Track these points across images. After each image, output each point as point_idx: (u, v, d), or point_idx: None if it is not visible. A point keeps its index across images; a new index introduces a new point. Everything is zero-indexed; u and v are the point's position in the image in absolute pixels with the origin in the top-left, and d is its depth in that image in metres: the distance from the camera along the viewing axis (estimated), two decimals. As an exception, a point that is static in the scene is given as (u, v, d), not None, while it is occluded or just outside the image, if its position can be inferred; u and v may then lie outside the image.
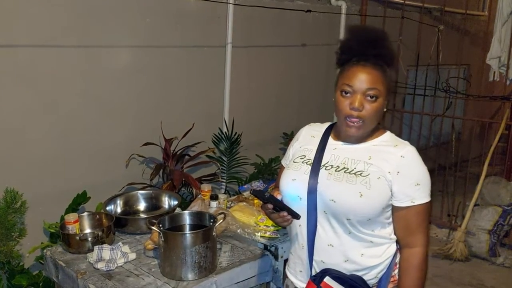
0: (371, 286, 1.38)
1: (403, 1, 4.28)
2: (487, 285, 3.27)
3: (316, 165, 1.38)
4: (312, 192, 1.35)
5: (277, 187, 1.59)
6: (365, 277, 1.38)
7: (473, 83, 4.88)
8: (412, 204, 1.33)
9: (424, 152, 1.39)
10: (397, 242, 1.42)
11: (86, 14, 2.51)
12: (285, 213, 1.35)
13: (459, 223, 3.82)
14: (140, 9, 2.75)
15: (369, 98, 1.31)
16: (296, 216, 1.35)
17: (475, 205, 3.75)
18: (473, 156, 4.22)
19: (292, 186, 1.40)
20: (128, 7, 2.68)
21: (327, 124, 1.52)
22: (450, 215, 4.15)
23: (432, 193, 1.39)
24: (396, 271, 1.42)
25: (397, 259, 1.42)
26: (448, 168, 4.30)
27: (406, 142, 1.39)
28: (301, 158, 1.44)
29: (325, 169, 1.38)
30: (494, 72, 4.17)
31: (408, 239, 1.37)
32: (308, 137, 1.51)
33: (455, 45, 4.48)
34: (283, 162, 1.59)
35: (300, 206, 1.37)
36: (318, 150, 1.42)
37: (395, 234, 1.41)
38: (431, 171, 1.39)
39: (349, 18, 4.06)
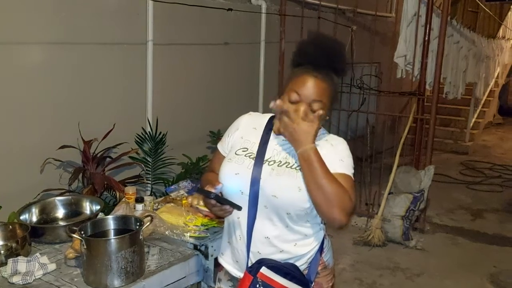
0: (302, 271, 1.44)
1: (319, 2, 4.46)
2: (402, 267, 3.54)
3: (259, 160, 1.40)
4: (254, 187, 1.37)
5: (212, 171, 1.59)
6: (297, 263, 1.44)
7: (384, 80, 5.22)
8: (334, 172, 1.32)
9: (343, 146, 1.49)
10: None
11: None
12: (227, 207, 1.37)
13: (376, 211, 4.08)
14: (53, 3, 2.58)
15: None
16: (238, 207, 1.37)
17: (389, 193, 4.03)
18: (386, 148, 4.52)
19: (235, 180, 1.41)
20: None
21: (267, 116, 1.53)
22: (368, 204, 4.42)
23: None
24: (324, 255, 1.51)
25: (325, 244, 1.51)
26: (365, 160, 4.57)
27: (336, 136, 1.48)
28: (243, 151, 1.46)
29: (268, 164, 1.41)
30: (402, 70, 4.50)
31: None
32: (250, 128, 1.52)
33: (367, 44, 4.77)
34: (219, 147, 1.58)
35: (241, 200, 1.39)
36: (261, 144, 1.44)
37: None
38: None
39: (269, 17, 4.15)
